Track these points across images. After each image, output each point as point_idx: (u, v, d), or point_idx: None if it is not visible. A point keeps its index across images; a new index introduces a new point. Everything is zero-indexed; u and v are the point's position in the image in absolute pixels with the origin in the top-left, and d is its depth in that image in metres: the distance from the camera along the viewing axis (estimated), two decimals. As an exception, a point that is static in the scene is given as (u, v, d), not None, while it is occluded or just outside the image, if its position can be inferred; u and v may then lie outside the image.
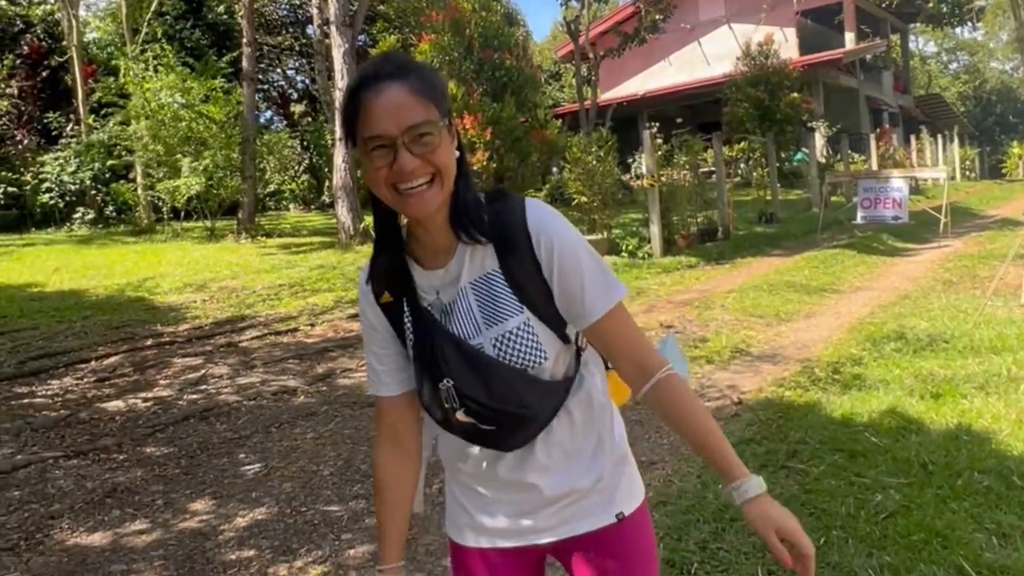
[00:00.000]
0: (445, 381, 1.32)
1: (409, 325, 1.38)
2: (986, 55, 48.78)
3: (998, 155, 37.68)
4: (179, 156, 14.01)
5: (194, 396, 5.88)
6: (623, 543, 1.45)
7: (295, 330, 7.82)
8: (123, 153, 14.80)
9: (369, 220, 13.70)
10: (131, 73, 14.17)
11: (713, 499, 3.46)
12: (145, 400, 5.77)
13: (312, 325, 7.97)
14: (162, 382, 6.23)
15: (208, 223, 14.60)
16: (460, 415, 1.34)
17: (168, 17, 20.34)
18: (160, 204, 15.24)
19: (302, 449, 4.75)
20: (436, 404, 1.36)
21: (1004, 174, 33.51)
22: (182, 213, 15.07)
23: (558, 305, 1.34)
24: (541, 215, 1.33)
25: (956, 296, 7.85)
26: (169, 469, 4.54)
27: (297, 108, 26.48)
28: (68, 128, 17.36)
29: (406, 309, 1.38)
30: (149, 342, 7.35)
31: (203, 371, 6.46)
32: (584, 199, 12.16)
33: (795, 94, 20.20)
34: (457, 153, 1.31)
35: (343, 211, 13.17)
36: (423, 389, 1.37)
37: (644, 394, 1.36)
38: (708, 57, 26.26)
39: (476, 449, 1.42)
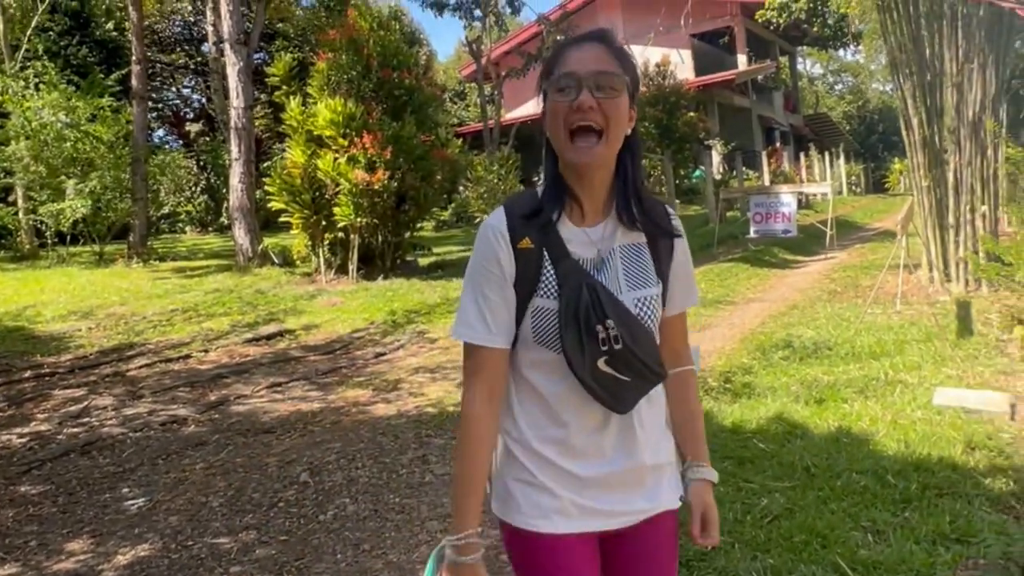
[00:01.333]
0: (608, 322, 1.38)
1: (551, 270, 1.43)
2: (867, 77, 51.64)
3: (881, 171, 39.83)
4: (64, 178, 13.34)
5: (75, 429, 5.58)
6: (675, 528, 1.59)
7: (187, 357, 7.53)
8: (1, 175, 14.00)
9: (267, 242, 13.39)
10: (10, 91, 13.44)
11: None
12: (21, 436, 5.43)
13: (206, 351, 7.70)
14: (40, 416, 5.89)
15: (96, 247, 13.95)
16: (602, 363, 1.39)
17: (52, 33, 19.41)
18: (44, 228, 14.46)
19: (190, 480, 4.56)
20: (583, 348, 1.39)
21: (887, 188, 35.44)
22: (68, 237, 14.34)
23: (667, 285, 1.54)
24: (677, 219, 1.57)
25: (840, 305, 8.22)
26: (45, 508, 4.27)
27: (193, 127, 25.67)
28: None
29: (546, 256, 1.44)
30: (27, 374, 6.95)
31: (86, 403, 6.14)
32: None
33: (692, 113, 20.87)
34: (630, 132, 1.45)
35: (240, 233, 12.81)
36: (567, 334, 1.40)
37: (671, 374, 1.57)
38: (608, 77, 26.83)
39: (582, 414, 1.46)
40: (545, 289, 1.43)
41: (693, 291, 1.61)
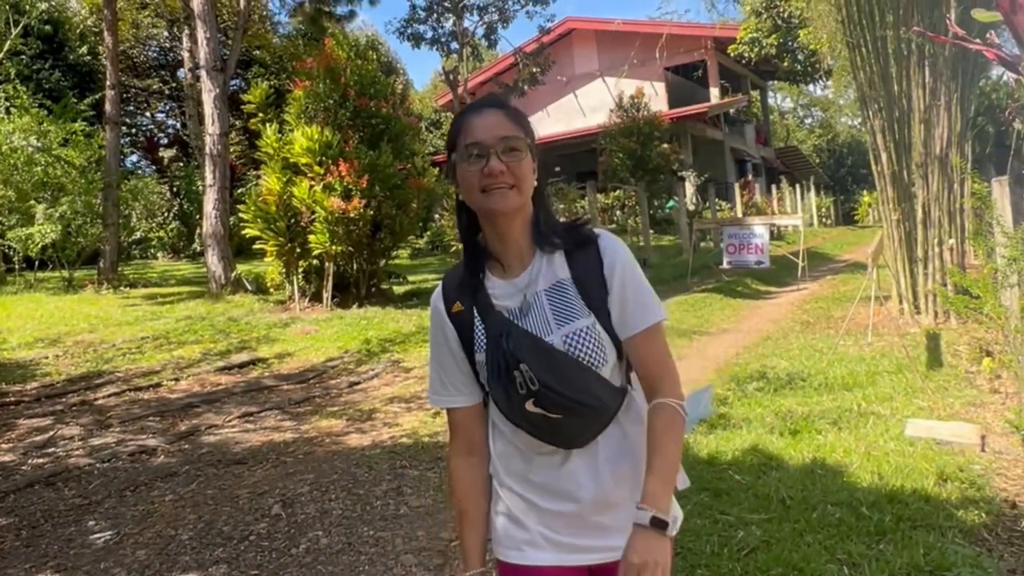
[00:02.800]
0: (521, 366, 1.46)
1: (480, 326, 1.54)
2: (837, 111, 52.69)
3: (851, 203, 40.54)
4: (33, 202, 13.17)
5: (40, 460, 5.45)
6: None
7: (158, 385, 7.41)
8: (-31, 199, 13.77)
9: (241, 269, 13.27)
10: (-21, 115, 13.30)
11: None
12: (-17, 467, 5.30)
13: (176, 379, 7.58)
14: (4, 446, 5.75)
15: (65, 273, 13.74)
16: (530, 405, 1.46)
17: (24, 57, 19.27)
18: (11, 253, 14.25)
19: (159, 513, 4.46)
20: (507, 393, 1.48)
21: (856, 220, 36.05)
22: (36, 263, 14.13)
23: (610, 311, 1.52)
24: (607, 235, 1.57)
25: (813, 336, 8.30)
26: (7, 542, 4.16)
27: (167, 153, 25.51)
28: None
29: (476, 314, 1.55)
30: (-9, 402, 6.79)
31: (52, 432, 6.00)
32: (462, 246, 12.21)
33: (665, 145, 21.15)
34: (536, 183, 1.54)
35: (214, 260, 12.70)
36: (494, 381, 1.50)
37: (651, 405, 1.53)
38: (584, 108, 27.22)
39: (542, 451, 1.53)
40: (479, 344, 1.54)
41: (649, 308, 1.54)
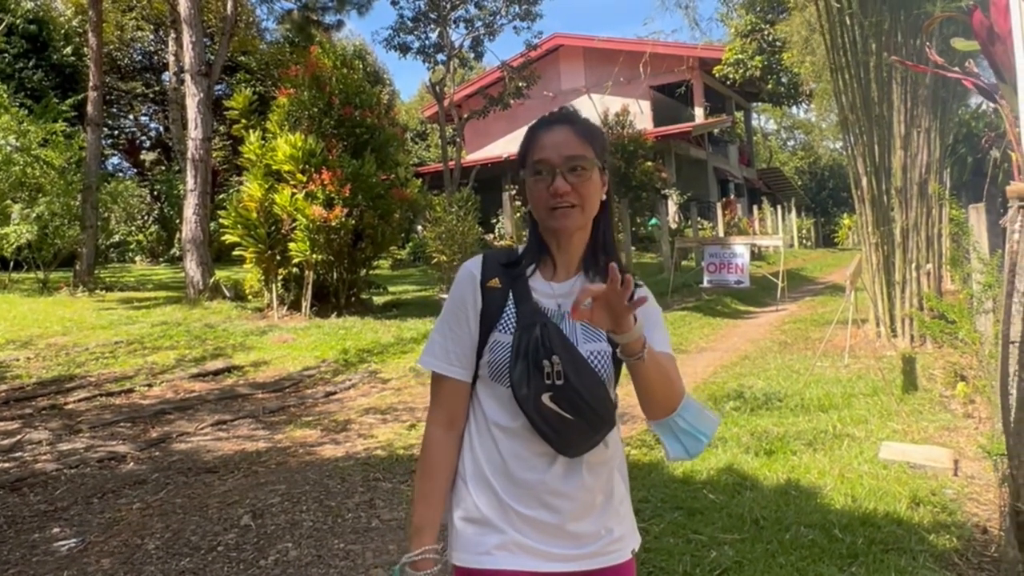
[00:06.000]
0: (554, 358, 1.45)
1: (512, 309, 1.54)
2: (819, 134, 53.30)
3: (831, 225, 40.93)
4: (10, 202, 13.00)
5: (6, 464, 5.34)
6: None
7: (130, 391, 7.31)
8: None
9: (219, 275, 13.15)
10: (-41, 112, 13.12)
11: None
12: (-54, 470, 5.19)
13: (149, 385, 7.49)
14: (-31, 449, 5.63)
15: (40, 274, 13.56)
16: (547, 399, 1.45)
17: (7, 55, 19.09)
18: (-15, 253, 14.09)
19: (126, 521, 4.38)
20: (529, 381, 1.45)
21: (836, 243, 36.40)
22: (11, 263, 13.93)
23: None
24: (645, 288, 1.62)
25: (790, 357, 8.34)
26: (-32, 548, 4.06)
27: (149, 156, 25.32)
28: None
29: (511, 297, 1.55)
30: (-42, 404, 6.66)
31: (19, 436, 5.89)
32: (444, 257, 12.20)
33: (649, 163, 21.27)
34: (604, 197, 1.58)
35: (192, 265, 12.59)
36: (515, 366, 1.48)
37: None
38: (569, 124, 27.27)
39: (533, 451, 1.51)
40: (504, 325, 1.53)
41: (660, 341, 1.53)
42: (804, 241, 32.71)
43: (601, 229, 1.60)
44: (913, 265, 8.13)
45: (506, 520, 1.51)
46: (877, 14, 8.01)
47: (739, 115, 33.82)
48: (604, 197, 1.58)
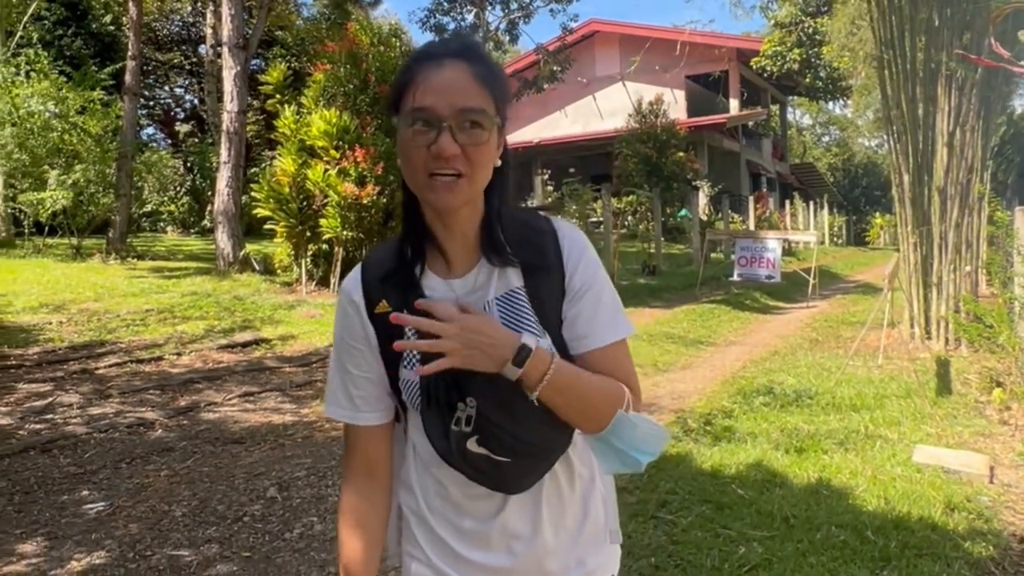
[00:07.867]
0: (468, 400, 1.16)
1: (412, 335, 1.17)
2: (854, 131, 52.54)
3: (863, 224, 40.36)
4: (47, 167, 13.13)
5: (37, 426, 5.42)
6: None
7: (159, 359, 7.38)
8: (-17, 160, 13.74)
9: (250, 248, 13.22)
10: (0, 77, 13.24)
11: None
12: (-21, 428, 5.27)
13: (179, 354, 7.55)
14: (2, 409, 5.71)
15: (74, 240, 13.72)
16: (473, 444, 1.17)
17: (47, 22, 19.24)
18: (22, 217, 14.23)
19: (153, 487, 4.43)
20: (446, 431, 1.18)
21: (867, 242, 35.88)
22: (46, 228, 14.10)
23: (564, 322, 1.24)
24: (572, 232, 1.28)
25: (821, 354, 8.22)
26: (-1, 506, 4.12)
27: (183, 128, 25.50)
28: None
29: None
30: (-8, 364, 6.76)
31: (51, 399, 5.97)
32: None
33: (681, 153, 21.08)
34: (499, 163, 1.22)
35: (223, 237, 12.66)
36: (427, 416, 1.20)
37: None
38: (602, 111, 27.14)
39: (475, 494, 1.25)
40: (408, 359, 1.22)
41: (614, 322, 1.26)
42: (835, 239, 32.30)
43: (495, 199, 1.24)
44: (951, 267, 7.97)
45: (456, 567, 1.28)
46: (927, 10, 7.82)
47: (774, 108, 33.35)
48: (499, 163, 1.22)
